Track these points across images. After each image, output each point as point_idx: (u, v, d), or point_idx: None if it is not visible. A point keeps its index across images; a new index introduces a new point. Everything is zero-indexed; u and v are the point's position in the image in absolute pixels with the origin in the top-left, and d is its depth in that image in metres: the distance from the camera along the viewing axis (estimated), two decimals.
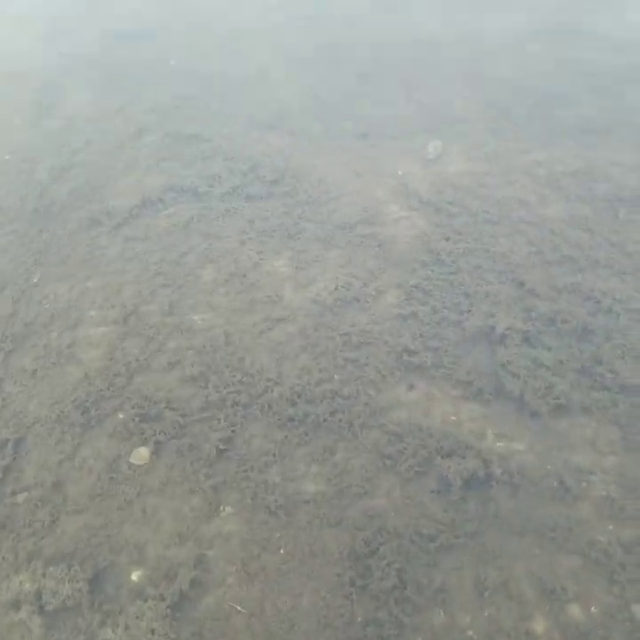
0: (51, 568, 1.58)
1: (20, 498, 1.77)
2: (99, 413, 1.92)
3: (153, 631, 1.48)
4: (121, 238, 2.51)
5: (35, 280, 2.43)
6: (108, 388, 1.98)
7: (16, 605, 1.55)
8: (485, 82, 3.01)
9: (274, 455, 1.77)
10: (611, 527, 1.56)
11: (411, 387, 1.90)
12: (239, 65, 3.45)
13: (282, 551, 1.59)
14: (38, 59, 4.08)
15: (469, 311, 2.06)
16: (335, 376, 1.94)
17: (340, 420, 1.83)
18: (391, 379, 1.93)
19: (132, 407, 1.92)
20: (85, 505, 1.72)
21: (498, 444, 1.72)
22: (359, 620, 1.46)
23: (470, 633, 1.43)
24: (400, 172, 2.62)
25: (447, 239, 2.31)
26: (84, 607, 1.52)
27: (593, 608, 1.45)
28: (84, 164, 2.94)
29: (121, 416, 1.91)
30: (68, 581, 1.53)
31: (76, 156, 2.99)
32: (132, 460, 1.80)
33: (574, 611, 1.45)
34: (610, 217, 2.28)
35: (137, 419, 1.89)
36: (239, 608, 1.49)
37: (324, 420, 1.84)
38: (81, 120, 3.26)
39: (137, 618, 1.50)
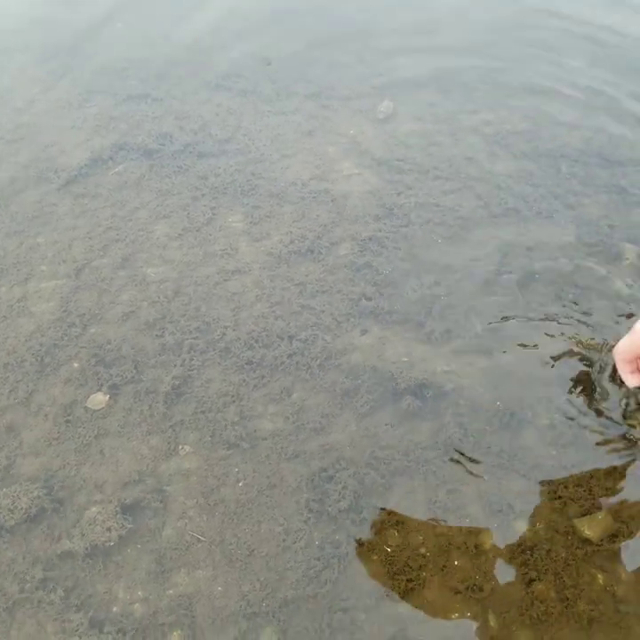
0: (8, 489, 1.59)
1: None
2: (53, 362, 1.91)
3: (109, 529, 1.51)
4: (71, 195, 2.48)
5: None
6: (62, 339, 1.97)
7: None
8: (434, 46, 3.07)
9: (232, 396, 1.80)
10: (554, 452, 1.65)
11: (365, 331, 1.95)
12: (190, 27, 3.41)
13: (240, 484, 1.62)
14: None
15: (421, 260, 2.12)
16: (291, 323, 1.98)
17: (297, 363, 1.87)
18: (346, 324, 1.97)
19: (87, 355, 1.92)
20: (42, 449, 1.72)
21: (449, 380, 1.79)
22: (317, 542, 1.51)
23: (423, 550, 1.50)
24: (352, 132, 2.66)
25: (399, 194, 2.36)
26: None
27: (538, 524, 1.53)
28: (29, 125, 2.88)
29: (76, 364, 1.91)
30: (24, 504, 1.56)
31: (21, 117, 2.93)
32: (88, 405, 1.80)
33: (520, 527, 1.53)
34: (553, 172, 2.38)
35: (92, 366, 1.89)
36: (200, 537, 1.52)
37: (281, 364, 1.87)
38: (26, 81, 3.19)
39: (90, 524, 1.52)
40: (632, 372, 1.54)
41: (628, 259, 2.05)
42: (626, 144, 2.45)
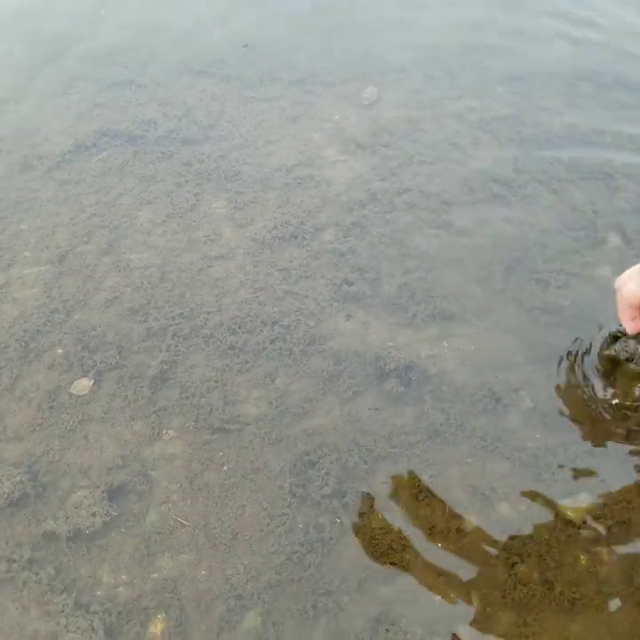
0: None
1: None
2: (37, 348, 1.89)
3: (94, 514, 1.50)
4: (54, 182, 2.46)
5: None
6: (46, 325, 1.96)
7: None
8: (418, 32, 3.06)
9: (216, 382, 1.80)
10: (538, 435, 1.66)
11: (348, 316, 1.95)
12: (172, 15, 3.38)
13: (225, 468, 1.62)
14: None
15: (405, 245, 2.13)
16: (275, 308, 1.98)
17: (281, 349, 1.87)
18: (330, 309, 1.97)
19: (72, 341, 1.90)
20: (25, 434, 1.71)
21: (432, 364, 1.80)
22: (300, 526, 1.51)
23: (406, 533, 1.50)
24: (336, 118, 2.65)
25: (383, 180, 2.36)
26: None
27: (521, 507, 1.54)
28: (13, 112, 2.84)
29: (60, 350, 1.89)
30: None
31: (4, 104, 2.89)
32: (72, 391, 1.79)
33: (504, 509, 1.54)
34: (537, 157, 2.38)
35: (76, 352, 1.88)
36: (184, 521, 1.52)
37: (265, 349, 1.87)
38: (9, 67, 3.15)
39: (76, 508, 1.52)
40: (633, 319, 1.47)
41: (611, 243, 2.06)
42: (609, 130, 2.45)
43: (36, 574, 1.45)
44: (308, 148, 2.50)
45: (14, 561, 1.48)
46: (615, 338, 1.71)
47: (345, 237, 2.16)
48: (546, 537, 1.49)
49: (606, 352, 1.71)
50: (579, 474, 1.57)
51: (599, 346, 1.76)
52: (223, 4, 3.37)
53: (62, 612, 1.39)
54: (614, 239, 2.07)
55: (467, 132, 2.51)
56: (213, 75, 2.90)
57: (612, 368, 1.70)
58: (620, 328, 1.66)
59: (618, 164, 2.31)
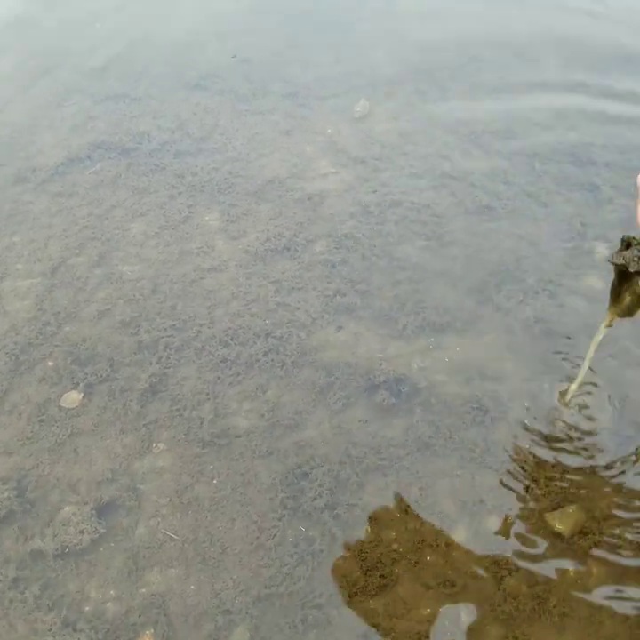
0: None
1: None
2: (28, 360, 1.90)
3: (82, 531, 1.50)
4: (47, 194, 2.46)
5: None
6: (37, 337, 1.96)
7: None
8: (412, 45, 3.08)
9: (206, 394, 1.80)
10: (526, 447, 1.66)
11: (339, 328, 1.96)
12: (167, 28, 3.41)
13: (215, 481, 1.62)
14: None
15: (395, 257, 2.13)
16: (267, 320, 1.98)
17: (273, 360, 1.87)
18: (321, 321, 1.98)
19: (62, 354, 1.90)
20: (15, 448, 1.70)
21: (422, 377, 1.80)
22: (290, 539, 1.51)
23: (395, 546, 1.50)
24: (329, 131, 2.66)
25: (374, 192, 2.37)
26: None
27: (509, 519, 1.54)
28: (6, 124, 2.86)
29: (51, 363, 1.89)
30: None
31: None
32: (62, 404, 1.79)
33: (492, 522, 1.54)
34: (526, 170, 2.40)
35: (67, 364, 1.88)
36: (173, 535, 1.51)
37: (257, 361, 1.87)
38: (4, 80, 3.16)
39: (64, 525, 1.51)
40: None
41: (600, 255, 2.07)
42: (598, 143, 2.47)
43: (22, 593, 1.45)
44: (301, 161, 2.52)
45: (0, 581, 1.47)
46: (628, 244, 1.28)
47: (337, 249, 2.17)
48: (534, 550, 1.49)
49: (615, 260, 1.30)
50: (567, 487, 1.58)
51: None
52: (218, 17, 3.39)
53: (50, 630, 1.39)
54: (602, 250, 2.09)
55: (457, 144, 2.52)
56: (207, 88, 2.92)
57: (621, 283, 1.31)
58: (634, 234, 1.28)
59: (606, 177, 2.33)
